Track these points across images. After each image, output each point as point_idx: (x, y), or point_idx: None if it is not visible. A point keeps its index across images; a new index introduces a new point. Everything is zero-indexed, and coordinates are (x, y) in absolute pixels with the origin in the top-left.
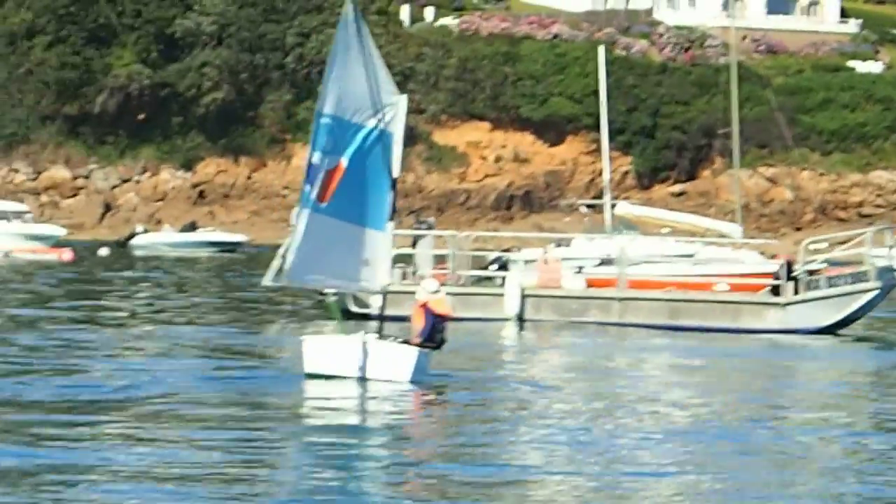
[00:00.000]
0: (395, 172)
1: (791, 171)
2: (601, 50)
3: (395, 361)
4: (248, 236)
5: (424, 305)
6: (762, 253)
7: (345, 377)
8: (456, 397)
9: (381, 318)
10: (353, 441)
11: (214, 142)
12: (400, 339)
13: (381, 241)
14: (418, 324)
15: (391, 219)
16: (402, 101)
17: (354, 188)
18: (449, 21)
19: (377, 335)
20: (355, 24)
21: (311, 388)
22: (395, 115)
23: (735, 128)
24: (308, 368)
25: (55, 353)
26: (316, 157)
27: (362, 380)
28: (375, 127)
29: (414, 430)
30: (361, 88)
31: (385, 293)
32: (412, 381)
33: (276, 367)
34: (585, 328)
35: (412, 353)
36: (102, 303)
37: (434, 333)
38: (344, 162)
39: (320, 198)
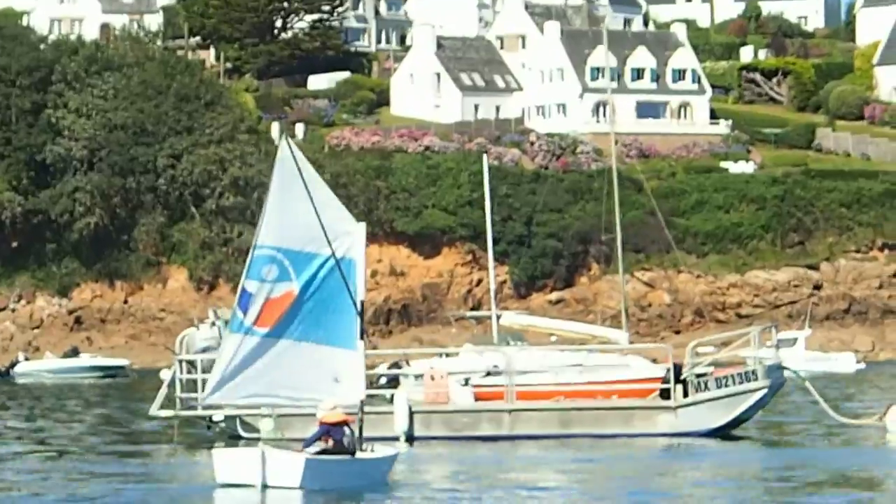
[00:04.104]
0: (361, 295)
1: (668, 275)
2: (485, 158)
3: (286, 469)
4: (129, 360)
5: (321, 421)
6: (654, 360)
7: (249, 485)
8: None
9: (360, 430)
10: None
11: (89, 267)
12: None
13: (352, 359)
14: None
15: (361, 338)
16: (360, 228)
17: (314, 311)
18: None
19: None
20: (293, 161)
21: (221, 497)
22: (354, 243)
23: (618, 233)
24: (219, 479)
25: None
26: (251, 286)
27: (264, 487)
28: (332, 255)
29: None
30: (309, 220)
31: (362, 407)
32: (303, 487)
33: (181, 481)
34: (476, 442)
35: (299, 459)
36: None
37: (337, 441)
38: (295, 288)
39: (258, 322)
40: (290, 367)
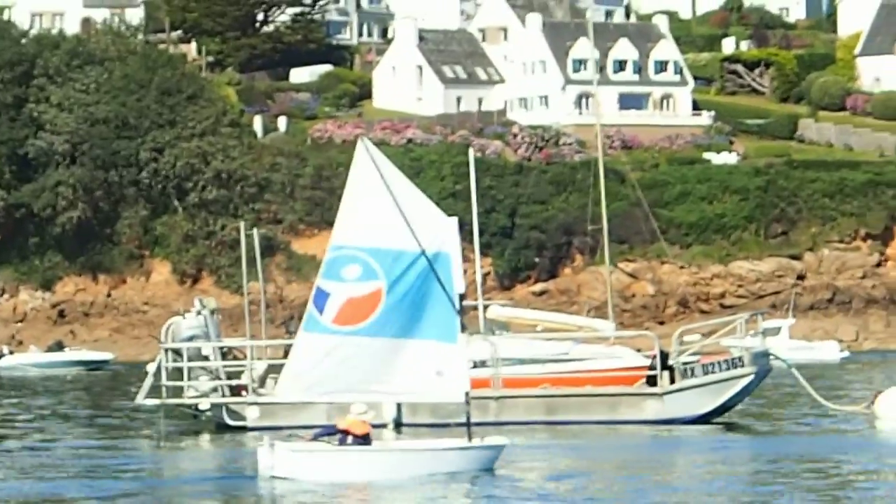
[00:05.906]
0: (460, 288)
1: (651, 266)
2: (471, 151)
3: (283, 460)
4: (113, 354)
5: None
6: (638, 350)
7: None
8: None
9: (468, 421)
10: None
11: (72, 260)
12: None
13: (454, 352)
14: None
15: (462, 331)
16: (451, 223)
17: (410, 308)
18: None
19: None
20: (372, 163)
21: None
22: (446, 238)
23: (605, 225)
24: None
25: None
26: (328, 286)
27: (273, 478)
28: (422, 252)
29: None
30: (393, 219)
31: (468, 399)
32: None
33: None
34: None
35: (287, 450)
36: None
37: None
38: (382, 286)
39: (336, 321)
40: (386, 364)
